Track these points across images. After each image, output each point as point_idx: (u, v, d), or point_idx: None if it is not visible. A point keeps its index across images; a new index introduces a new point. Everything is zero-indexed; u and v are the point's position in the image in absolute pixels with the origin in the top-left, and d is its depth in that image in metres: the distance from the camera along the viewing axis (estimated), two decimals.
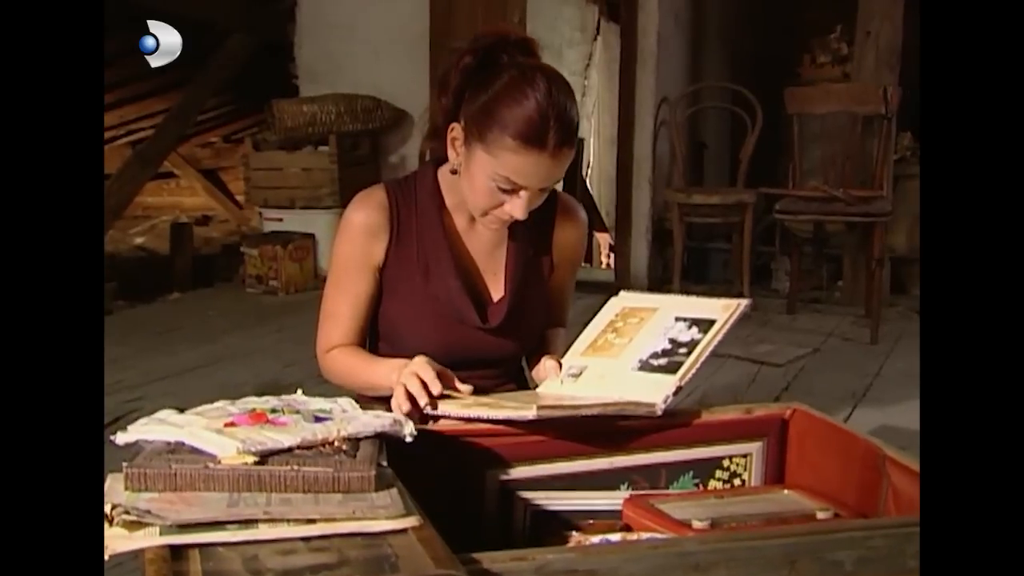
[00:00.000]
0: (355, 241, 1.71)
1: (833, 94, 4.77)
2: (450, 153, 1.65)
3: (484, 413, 1.43)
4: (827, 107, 4.71)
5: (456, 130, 1.62)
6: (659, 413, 1.48)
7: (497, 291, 1.76)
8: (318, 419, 1.25)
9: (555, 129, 1.53)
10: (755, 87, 5.49)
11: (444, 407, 1.48)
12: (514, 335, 1.75)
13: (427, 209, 1.72)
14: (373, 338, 1.80)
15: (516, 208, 1.60)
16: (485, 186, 1.59)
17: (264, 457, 1.11)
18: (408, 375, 1.51)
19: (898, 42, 4.92)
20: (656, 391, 1.50)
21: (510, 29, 1.65)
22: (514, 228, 1.74)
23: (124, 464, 1.08)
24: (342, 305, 1.73)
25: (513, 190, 1.58)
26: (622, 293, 1.78)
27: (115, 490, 1.06)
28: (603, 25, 6.97)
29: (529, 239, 1.77)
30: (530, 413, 1.38)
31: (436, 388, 1.49)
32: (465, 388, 1.53)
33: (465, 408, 1.46)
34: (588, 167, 7.09)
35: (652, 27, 5.52)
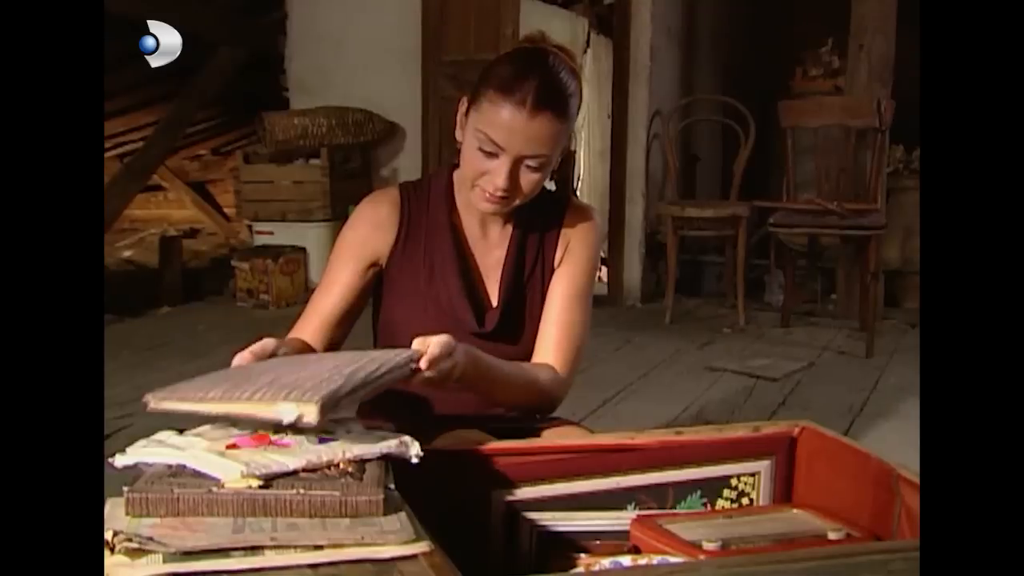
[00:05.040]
0: (357, 228, 1.70)
1: (827, 107, 4.77)
2: (457, 131, 1.65)
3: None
4: (821, 120, 4.70)
5: (463, 103, 1.63)
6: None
7: (496, 297, 1.72)
8: (322, 440, 1.22)
9: (535, 87, 1.52)
10: (746, 100, 5.50)
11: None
12: (512, 343, 1.70)
13: (438, 209, 1.71)
14: (373, 342, 1.77)
15: (497, 175, 1.56)
16: (472, 149, 1.58)
17: (269, 481, 1.08)
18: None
19: (891, 55, 4.93)
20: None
21: (549, 44, 1.65)
22: (519, 233, 1.72)
23: (125, 488, 1.04)
24: (322, 298, 1.69)
25: (493, 152, 1.56)
26: None
27: (115, 516, 1.02)
28: (593, 38, 6.95)
29: (533, 245, 1.74)
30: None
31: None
32: None
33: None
34: (578, 180, 7.07)
35: (645, 40, 5.53)
